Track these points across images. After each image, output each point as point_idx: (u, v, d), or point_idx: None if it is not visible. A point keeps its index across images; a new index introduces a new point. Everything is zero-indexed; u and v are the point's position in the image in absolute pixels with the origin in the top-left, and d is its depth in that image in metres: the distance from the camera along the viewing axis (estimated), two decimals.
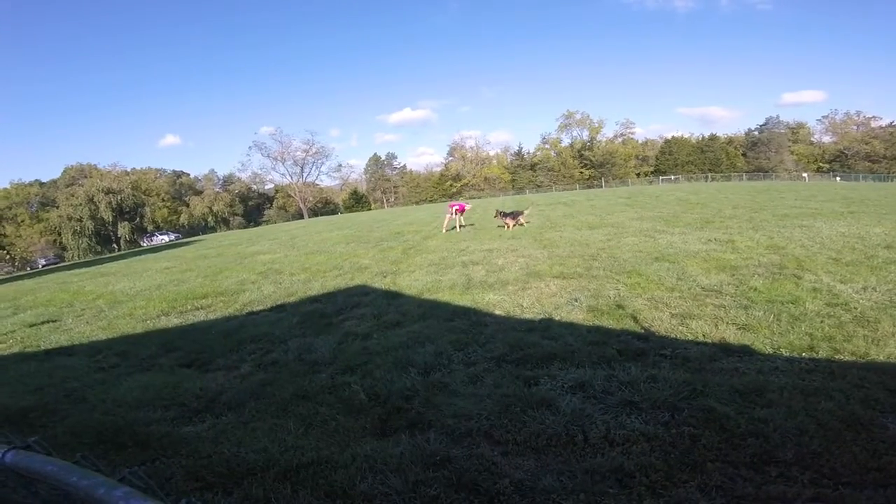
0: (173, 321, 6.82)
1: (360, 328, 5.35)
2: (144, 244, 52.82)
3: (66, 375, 4.72)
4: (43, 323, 7.69)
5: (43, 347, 6.19)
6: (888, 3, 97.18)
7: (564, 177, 68.68)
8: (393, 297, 6.82)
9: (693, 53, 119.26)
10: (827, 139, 68.59)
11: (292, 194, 73.83)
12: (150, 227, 63.24)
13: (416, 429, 2.96)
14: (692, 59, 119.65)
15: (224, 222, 70.41)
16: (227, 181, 79.21)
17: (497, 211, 14.95)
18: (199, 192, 74.61)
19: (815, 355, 3.67)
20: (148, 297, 8.98)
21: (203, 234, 55.35)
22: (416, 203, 68.89)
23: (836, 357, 3.62)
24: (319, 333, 5.31)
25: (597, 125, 72.21)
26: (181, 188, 75.08)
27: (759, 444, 2.50)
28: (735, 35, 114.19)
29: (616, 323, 4.75)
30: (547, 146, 74.74)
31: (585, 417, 2.89)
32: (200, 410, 3.59)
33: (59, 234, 58.53)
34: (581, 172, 69.60)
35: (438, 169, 78.99)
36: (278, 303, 7.23)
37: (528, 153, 76.17)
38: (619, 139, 72.74)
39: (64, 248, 57.63)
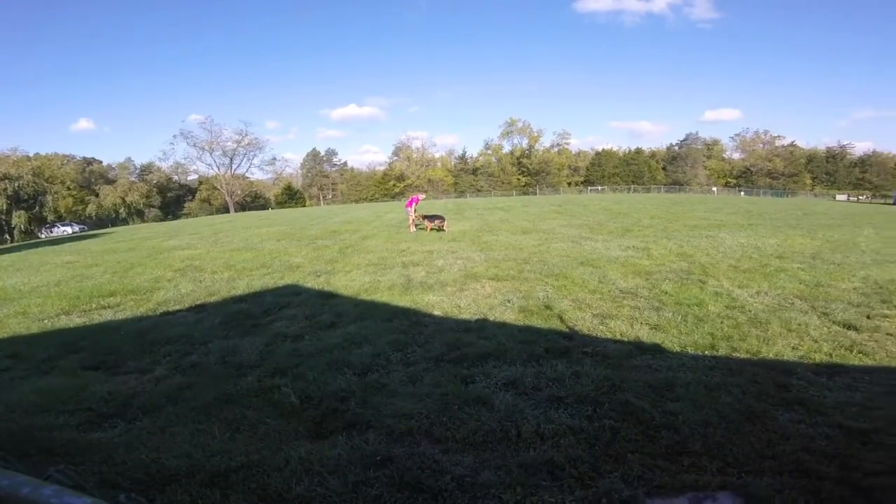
0: (76, 321, 6.11)
1: (291, 329, 5.13)
2: (43, 236, 46.87)
3: None
4: None
5: None
6: (810, 32, 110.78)
7: (503, 182, 70.83)
8: (328, 297, 6.62)
9: (632, 67, 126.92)
10: (737, 156, 76.36)
11: (218, 186, 68.85)
12: (51, 218, 56.25)
13: (353, 430, 2.92)
14: (630, 74, 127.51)
15: (138, 214, 64.15)
16: (146, 170, 72.23)
17: (422, 214, 15.00)
18: (111, 182, 67.56)
19: (716, 353, 4.10)
20: (45, 293, 7.94)
21: (113, 226, 50.15)
22: (356, 201, 67.50)
23: (734, 355, 4.06)
24: (245, 335, 5.02)
25: (536, 134, 75.39)
26: (91, 176, 67.27)
27: (672, 435, 2.75)
28: (671, 51, 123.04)
29: (544, 322, 5.01)
30: (489, 152, 76.66)
31: (518, 413, 3.03)
32: (111, 415, 3.29)
33: None
34: (518, 179, 72.15)
35: (382, 168, 78.02)
36: (198, 302, 6.72)
37: (472, 158, 77.64)
38: (556, 149, 76.35)
39: None
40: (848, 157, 71.68)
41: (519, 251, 9.72)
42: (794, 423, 2.88)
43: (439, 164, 76.03)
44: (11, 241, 46.66)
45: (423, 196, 16.48)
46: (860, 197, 58.30)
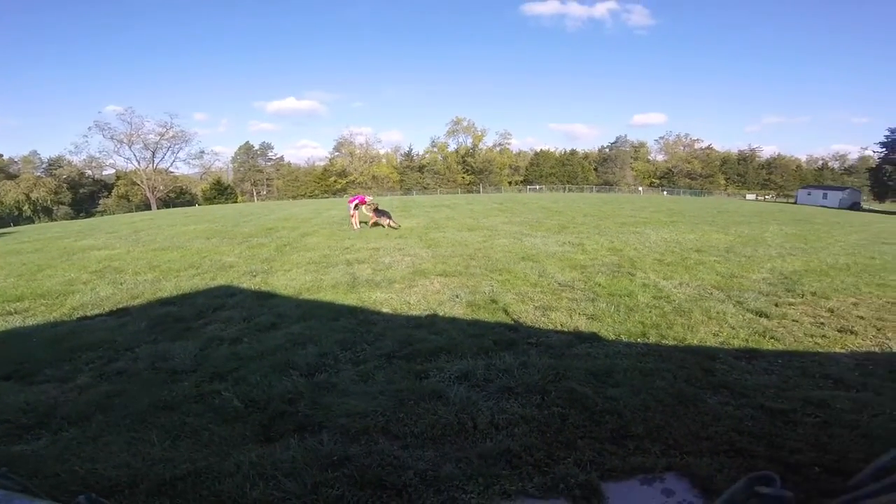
0: None
1: (227, 332, 4.81)
2: None
3: None
4: None
5: None
6: (731, 40, 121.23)
7: (449, 180, 71.33)
8: (266, 297, 6.27)
9: (572, 70, 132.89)
10: (661, 158, 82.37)
11: (138, 182, 62.91)
12: None
13: (305, 431, 2.82)
14: (569, 76, 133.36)
15: (46, 212, 57.10)
16: (54, 164, 64.49)
17: (373, 206, 14.69)
18: (13, 176, 59.74)
19: (647, 340, 4.38)
20: None
21: (15, 225, 44.38)
22: (293, 198, 64.83)
23: (663, 342, 4.36)
24: (176, 339, 4.65)
25: (480, 133, 76.56)
26: None
27: (616, 420, 2.90)
28: (608, 56, 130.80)
29: (491, 316, 5.13)
30: (435, 149, 76.75)
31: (472, 405, 3.08)
32: (32, 426, 2.96)
33: None
34: (463, 177, 73.04)
35: (322, 163, 75.43)
36: (119, 306, 6.10)
37: (418, 155, 77.31)
38: (498, 148, 78.15)
39: None
40: (756, 159, 79.89)
41: (465, 247, 9.86)
42: (722, 404, 3.09)
43: (384, 160, 74.93)
44: None
45: (371, 198, 15.97)
46: (766, 196, 65.51)
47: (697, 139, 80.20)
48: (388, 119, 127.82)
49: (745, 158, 79.78)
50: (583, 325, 4.82)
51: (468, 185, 71.60)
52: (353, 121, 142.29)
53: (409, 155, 77.43)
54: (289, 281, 7.14)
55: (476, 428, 2.82)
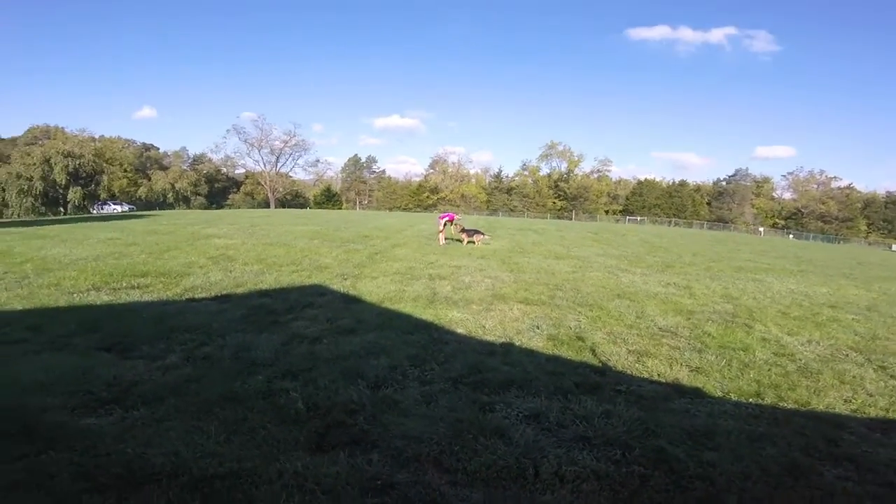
0: (103, 298, 6.20)
1: (310, 330, 5.00)
2: (94, 212, 49.75)
3: None
4: None
5: None
6: (872, 70, 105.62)
7: (538, 205, 70.19)
8: (351, 301, 6.51)
9: (680, 98, 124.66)
10: (788, 195, 72.78)
11: (262, 182, 71.87)
12: (104, 196, 60.05)
13: (357, 447, 2.71)
14: (677, 104, 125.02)
15: (185, 201, 67.65)
16: (197, 161, 76.46)
17: (460, 226, 14.88)
18: (165, 168, 71.67)
19: (761, 401, 3.77)
20: (81, 267, 8.17)
21: (160, 209, 52.70)
22: (389, 209, 68.45)
23: (781, 404, 3.75)
24: (263, 331, 4.91)
25: (576, 159, 74.58)
26: (147, 161, 71.97)
27: (706, 487, 2.50)
28: (723, 83, 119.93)
29: (575, 354, 4.70)
30: (526, 173, 76.46)
31: (538, 450, 2.77)
32: (109, 401, 3.17)
33: (3, 190, 54.46)
34: (554, 203, 71.38)
35: (417, 179, 79.18)
36: (224, 292, 6.70)
37: (507, 177, 77.71)
38: (595, 175, 75.21)
39: (6, 205, 53.52)
40: None
41: (551, 276, 9.38)
42: (842, 479, 2.69)
43: (473, 180, 76.45)
44: (64, 214, 49.78)
45: (460, 217, 16.35)
46: None
47: (834, 177, 69.71)
48: (480, 139, 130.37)
49: (894, 202, 67.17)
50: (684, 377, 4.23)
51: (559, 210, 69.62)
52: (448, 140, 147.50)
53: (498, 176, 77.94)
54: (375, 288, 7.37)
55: (537, 476, 2.52)
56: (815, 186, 69.86)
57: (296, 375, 3.73)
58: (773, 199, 72.40)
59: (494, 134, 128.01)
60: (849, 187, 68.87)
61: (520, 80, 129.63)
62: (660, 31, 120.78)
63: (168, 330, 4.77)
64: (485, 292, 7.42)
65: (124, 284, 6.96)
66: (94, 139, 64.20)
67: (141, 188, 66.49)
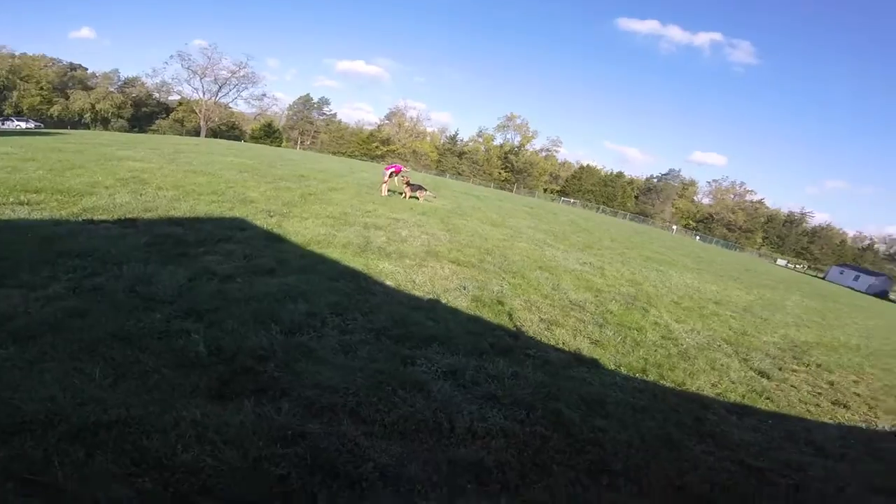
0: None
1: (223, 267, 4.57)
2: None
3: None
4: None
5: None
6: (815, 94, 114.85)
7: (485, 172, 70.77)
8: (274, 239, 6.11)
9: (644, 92, 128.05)
10: (706, 200, 79.71)
11: (197, 111, 64.95)
12: (8, 112, 52.15)
13: (265, 395, 2.57)
14: (639, 99, 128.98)
15: (103, 122, 59.88)
16: (128, 83, 67.32)
17: (406, 178, 14.73)
18: (90, 89, 62.60)
19: (645, 377, 4.23)
20: None
21: (73, 129, 46.00)
22: (334, 153, 65.34)
23: (661, 382, 4.22)
24: (168, 263, 4.38)
25: (530, 135, 75.55)
26: (70, 81, 62.32)
27: (597, 451, 2.77)
28: (689, 85, 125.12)
29: (494, 317, 4.91)
30: (480, 140, 76.32)
31: (454, 406, 2.87)
32: None
33: None
34: (500, 173, 72.32)
35: (370, 128, 75.89)
36: (129, 216, 5.94)
37: (462, 141, 77.06)
38: (543, 153, 76.97)
39: None
40: (804, 225, 76.72)
41: (484, 241, 9.61)
42: (705, 454, 3.05)
43: (429, 138, 75.01)
44: None
45: (407, 170, 16.04)
46: (798, 265, 62.95)
47: (751, 190, 77.33)
48: (443, 100, 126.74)
49: (791, 221, 76.78)
50: (585, 348, 4.62)
51: (503, 181, 70.83)
52: (411, 94, 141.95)
53: (453, 139, 77.14)
54: (302, 229, 7.00)
55: (452, 430, 2.63)
56: (733, 196, 77.11)
57: (200, 315, 3.39)
58: (692, 202, 79.13)
59: (458, 96, 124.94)
60: (759, 202, 77.02)
61: (495, 48, 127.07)
62: (649, 25, 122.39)
63: (55, 254, 4.09)
64: (419, 248, 7.42)
65: (11, 200, 5.83)
66: (13, 56, 57.18)
67: (55, 106, 58.07)
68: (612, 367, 4.31)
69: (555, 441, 2.78)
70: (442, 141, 76.90)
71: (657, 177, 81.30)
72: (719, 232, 71.00)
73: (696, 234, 67.07)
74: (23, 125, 44.56)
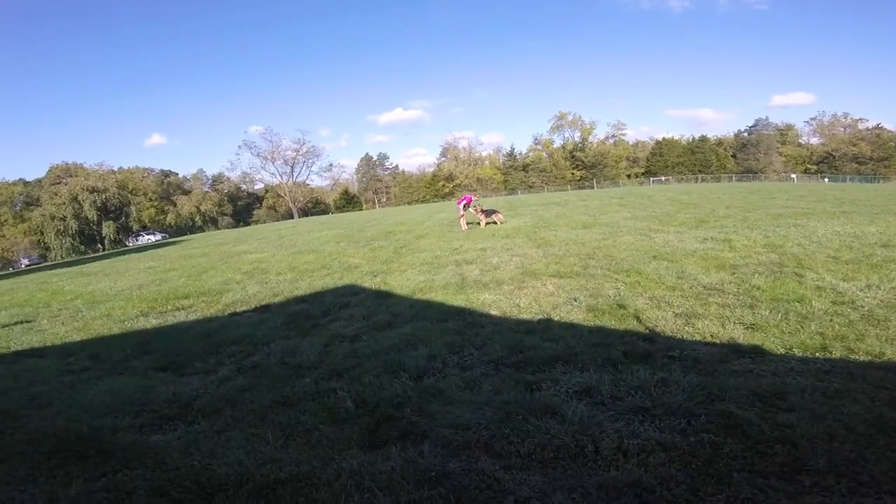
0: (152, 322, 6.51)
1: (349, 330, 5.09)
2: (130, 244, 51.84)
3: (33, 378, 4.44)
4: (16, 323, 7.38)
5: (13, 349, 5.90)
6: (880, 6, 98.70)
7: (556, 178, 69.02)
8: (383, 296, 6.56)
9: (685, 54, 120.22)
10: (815, 141, 69.39)
11: (282, 194, 73.37)
12: (135, 227, 62.60)
13: (407, 440, 2.70)
14: (683, 61, 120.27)
15: (212, 222, 69.94)
16: (216, 181, 78.67)
17: (479, 207, 14.81)
18: (187, 192, 74.05)
19: (829, 355, 3.50)
20: (128, 297, 8.64)
21: (190, 233, 54.53)
22: (409, 203, 68.76)
23: (852, 357, 3.46)
24: (305, 335, 5.04)
25: (588, 126, 72.85)
26: (169, 188, 74.47)
27: (788, 451, 2.33)
28: (727, 36, 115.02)
29: (618, 323, 4.53)
30: (539, 147, 75.23)
31: (595, 426, 2.66)
32: (172, 417, 3.32)
33: (42, 234, 57.32)
34: (573, 173, 70.01)
35: (431, 169, 79.24)
36: (263, 303, 6.94)
37: (520, 154, 76.74)
38: (611, 140, 73.29)
39: (47, 248, 56.46)
40: None
41: (581, 246, 9.14)
42: None
43: (487, 162, 75.89)
44: (103, 250, 52.21)
45: (476, 197, 16.30)
46: None
47: (861, 118, 65.79)
48: (487, 121, 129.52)
49: None
50: (740, 335, 3.99)
51: (579, 180, 68.23)
52: (455, 126, 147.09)
53: (511, 155, 76.92)
54: (404, 281, 7.41)
55: (597, 452, 2.41)
56: (843, 129, 66.42)
57: (341, 374, 3.77)
58: (800, 145, 69.01)
59: (501, 113, 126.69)
60: (878, 127, 65.07)
61: (517, 56, 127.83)
62: None
63: (216, 345, 4.95)
64: (514, 271, 7.30)
65: (169, 307, 7.28)
66: (114, 172, 66.93)
67: (169, 215, 68.84)
68: (782, 350, 3.65)
69: (729, 447, 2.40)
70: (501, 160, 76.90)
71: (746, 130, 72.48)
72: (849, 168, 60.24)
73: (823, 177, 57.59)
74: (152, 238, 52.78)
